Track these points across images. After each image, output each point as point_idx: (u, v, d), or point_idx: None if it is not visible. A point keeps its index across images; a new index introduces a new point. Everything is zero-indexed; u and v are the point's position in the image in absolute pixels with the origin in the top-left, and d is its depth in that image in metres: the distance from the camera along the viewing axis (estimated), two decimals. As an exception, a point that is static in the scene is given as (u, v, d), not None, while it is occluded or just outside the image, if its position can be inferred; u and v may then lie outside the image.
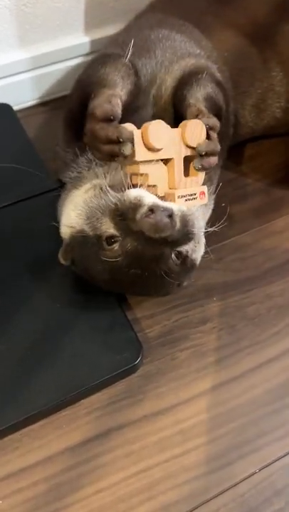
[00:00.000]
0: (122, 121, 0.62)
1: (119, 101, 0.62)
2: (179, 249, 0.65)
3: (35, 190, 0.83)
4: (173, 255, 0.64)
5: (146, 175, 0.63)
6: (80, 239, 0.67)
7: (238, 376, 0.73)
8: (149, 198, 0.61)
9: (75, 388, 0.68)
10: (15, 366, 0.69)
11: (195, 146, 0.63)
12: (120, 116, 0.60)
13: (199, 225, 0.69)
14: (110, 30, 0.99)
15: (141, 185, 0.63)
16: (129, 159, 0.61)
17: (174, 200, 0.63)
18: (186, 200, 0.64)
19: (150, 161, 0.62)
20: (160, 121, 0.62)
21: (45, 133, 0.98)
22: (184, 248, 0.66)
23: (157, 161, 0.63)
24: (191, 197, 0.65)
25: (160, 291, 0.70)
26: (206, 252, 0.74)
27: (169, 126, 0.62)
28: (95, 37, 1.01)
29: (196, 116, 0.65)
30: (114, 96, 0.62)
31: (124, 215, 0.62)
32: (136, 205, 0.60)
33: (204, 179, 0.66)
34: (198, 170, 0.64)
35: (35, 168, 0.87)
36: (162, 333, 0.76)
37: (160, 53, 0.77)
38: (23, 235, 0.80)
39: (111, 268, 0.65)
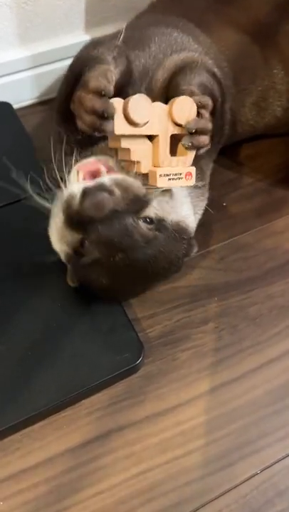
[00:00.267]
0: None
1: (114, 77, 0.61)
2: (144, 214, 0.63)
3: (34, 190, 0.82)
4: (141, 223, 0.63)
5: (128, 150, 0.61)
6: (68, 260, 0.68)
7: (239, 377, 0.73)
8: (75, 186, 0.61)
9: (76, 389, 0.68)
10: (15, 366, 0.69)
11: (183, 123, 0.62)
12: (112, 93, 0.59)
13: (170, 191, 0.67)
14: (111, 28, 0.98)
15: (123, 161, 0.62)
16: (110, 134, 0.60)
17: (155, 179, 0.62)
18: (169, 179, 0.63)
19: (133, 137, 0.61)
20: (143, 95, 0.60)
21: (45, 131, 0.97)
22: (151, 212, 0.64)
23: (142, 137, 0.62)
24: (176, 176, 0.64)
25: (162, 266, 0.67)
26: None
27: (158, 102, 0.61)
28: (95, 35, 1.00)
29: (199, 109, 0.64)
30: (110, 71, 0.61)
31: (70, 215, 0.61)
32: (70, 200, 0.60)
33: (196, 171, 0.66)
34: (188, 148, 0.63)
35: (35, 167, 0.86)
36: (163, 333, 0.76)
37: (154, 47, 0.76)
38: (23, 234, 0.80)
39: (100, 268, 0.64)
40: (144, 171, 0.63)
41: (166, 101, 0.66)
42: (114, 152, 0.65)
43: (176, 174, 0.64)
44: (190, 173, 0.65)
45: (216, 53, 0.82)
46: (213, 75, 0.75)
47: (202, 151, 0.66)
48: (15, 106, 1.00)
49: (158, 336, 0.75)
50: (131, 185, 0.62)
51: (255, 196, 0.92)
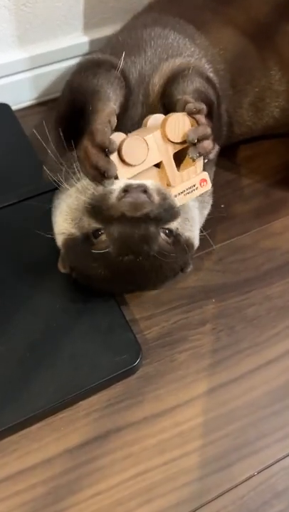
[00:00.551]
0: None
1: (115, 119, 0.62)
2: (166, 226, 0.64)
3: (34, 191, 0.83)
4: (162, 233, 0.64)
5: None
6: (72, 243, 0.67)
7: (238, 378, 0.73)
8: (119, 182, 0.61)
9: (74, 390, 0.68)
10: (13, 367, 0.69)
11: (180, 140, 0.62)
12: (116, 149, 0.60)
13: (188, 205, 0.68)
14: (110, 30, 0.99)
15: None
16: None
17: (165, 187, 0.63)
18: (185, 194, 0.65)
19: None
20: (134, 136, 0.61)
21: (43, 133, 0.97)
22: (173, 226, 0.65)
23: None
24: (191, 189, 0.65)
25: (159, 276, 0.68)
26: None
27: (150, 135, 0.61)
28: (94, 37, 1.01)
29: (184, 108, 0.64)
30: (112, 115, 0.62)
31: (99, 207, 0.61)
32: (107, 193, 0.61)
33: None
34: (197, 158, 0.63)
35: (34, 168, 0.86)
36: (161, 334, 0.76)
37: (150, 51, 0.76)
38: (22, 235, 0.80)
39: (105, 261, 0.64)
40: None
41: (163, 107, 0.66)
42: None
43: (190, 187, 0.65)
44: (204, 180, 0.65)
45: (214, 55, 0.82)
46: (207, 78, 0.75)
47: (211, 156, 0.66)
48: (13, 107, 1.00)
49: (156, 337, 0.75)
50: (170, 196, 0.63)
51: (253, 197, 0.93)
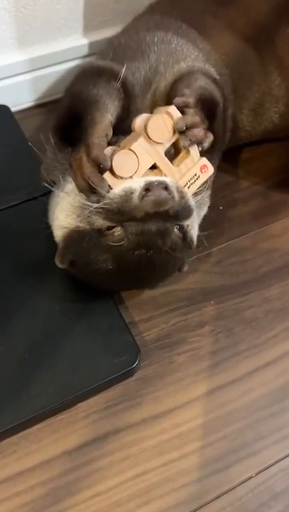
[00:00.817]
0: (117, 127, 0.65)
1: (111, 132, 0.64)
2: (180, 223, 0.65)
3: (34, 192, 0.83)
4: (175, 229, 0.65)
5: None
6: (76, 236, 0.67)
7: (236, 380, 0.73)
8: (137, 182, 0.61)
9: (73, 392, 0.68)
10: (13, 369, 0.69)
11: (166, 139, 0.63)
12: (109, 166, 0.61)
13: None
14: (109, 32, 0.99)
15: None
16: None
17: None
18: (188, 187, 0.65)
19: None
20: (120, 152, 0.61)
21: (43, 135, 0.98)
22: (185, 222, 0.66)
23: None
24: (193, 179, 0.65)
25: (164, 272, 0.69)
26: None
27: (136, 142, 0.62)
28: (93, 39, 1.01)
29: (182, 109, 0.65)
30: (109, 128, 0.63)
31: (120, 212, 0.61)
32: (127, 196, 0.61)
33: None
34: (189, 146, 0.64)
35: (33, 170, 0.86)
36: (160, 336, 0.76)
37: (154, 57, 0.77)
38: (22, 236, 0.80)
39: (115, 254, 0.64)
40: None
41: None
42: None
43: (191, 178, 0.65)
44: (203, 166, 0.66)
45: (216, 60, 0.82)
46: (214, 80, 0.76)
47: (205, 144, 0.66)
48: (13, 109, 1.00)
49: (155, 339, 0.76)
50: (186, 193, 0.64)
51: (252, 200, 0.93)
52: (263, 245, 0.87)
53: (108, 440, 0.67)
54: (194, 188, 0.66)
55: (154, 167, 0.64)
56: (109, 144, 0.64)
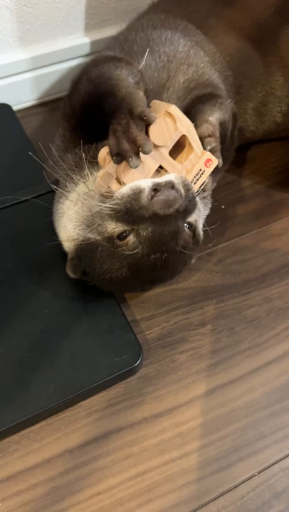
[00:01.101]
0: None
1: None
2: (189, 219, 0.65)
3: (35, 192, 0.83)
4: (186, 228, 0.65)
5: None
6: (88, 247, 0.67)
7: (237, 379, 0.73)
8: (144, 182, 0.61)
9: (75, 390, 0.68)
10: (14, 368, 0.69)
11: (170, 142, 0.63)
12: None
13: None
14: (111, 31, 0.99)
15: None
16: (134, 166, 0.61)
17: None
18: (195, 182, 0.66)
19: None
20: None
21: (44, 133, 0.98)
22: (193, 218, 0.66)
23: None
24: (199, 175, 0.66)
25: (176, 270, 0.69)
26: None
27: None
28: (95, 38, 1.01)
29: (208, 135, 0.66)
30: (145, 98, 0.63)
31: (128, 211, 0.61)
32: (136, 194, 0.61)
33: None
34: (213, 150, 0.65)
35: (35, 168, 0.87)
36: (162, 335, 0.76)
37: (165, 58, 0.77)
38: (23, 236, 0.80)
39: (130, 262, 0.64)
40: None
41: (184, 111, 0.67)
42: None
43: (197, 174, 0.66)
44: (208, 160, 0.66)
45: (221, 61, 0.82)
46: (234, 115, 0.77)
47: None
48: (14, 107, 1.00)
49: (156, 337, 0.76)
50: (191, 185, 0.64)
51: (253, 199, 0.93)
52: (264, 244, 0.87)
53: (109, 439, 0.67)
54: (200, 182, 0.67)
55: (160, 167, 0.64)
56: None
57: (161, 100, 0.73)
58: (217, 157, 0.66)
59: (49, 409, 0.67)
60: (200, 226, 0.71)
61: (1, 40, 0.94)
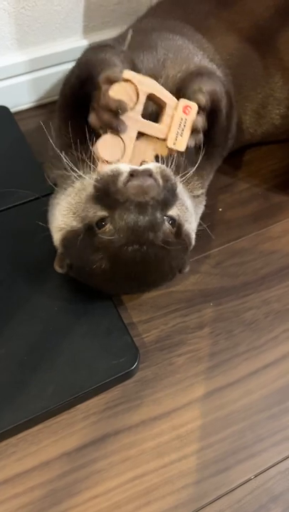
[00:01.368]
0: None
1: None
2: (169, 213, 0.64)
3: (33, 193, 0.83)
4: (166, 222, 0.64)
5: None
6: (72, 236, 0.66)
7: (235, 381, 0.73)
8: (124, 166, 0.62)
9: (72, 393, 0.68)
10: (11, 370, 0.69)
11: (133, 104, 0.63)
12: (121, 76, 0.62)
13: (186, 198, 0.69)
14: (110, 33, 0.99)
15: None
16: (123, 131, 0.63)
17: (166, 151, 0.65)
18: (181, 135, 0.64)
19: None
20: (102, 137, 0.63)
21: (42, 136, 0.98)
22: (175, 212, 0.65)
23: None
24: (182, 125, 0.64)
25: (161, 270, 0.67)
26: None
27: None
28: (94, 40, 1.01)
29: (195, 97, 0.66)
30: (121, 72, 0.64)
31: (106, 191, 0.61)
32: (114, 176, 0.61)
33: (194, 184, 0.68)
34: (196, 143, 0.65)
35: (33, 171, 0.87)
36: (159, 337, 0.76)
37: (162, 52, 0.77)
38: (21, 238, 0.80)
39: (108, 252, 0.63)
40: (163, 153, 0.65)
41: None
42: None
43: (180, 124, 0.64)
44: (185, 107, 0.64)
45: (220, 61, 0.82)
46: (227, 92, 0.77)
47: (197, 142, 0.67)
48: (12, 110, 1.00)
49: (154, 340, 0.76)
50: (171, 176, 0.63)
51: (251, 201, 0.93)
52: (263, 247, 0.87)
53: (107, 442, 0.67)
54: (187, 132, 0.65)
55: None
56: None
57: None
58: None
59: (46, 412, 0.67)
60: (189, 227, 0.69)
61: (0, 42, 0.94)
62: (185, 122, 0.64)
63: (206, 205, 0.80)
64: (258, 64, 0.86)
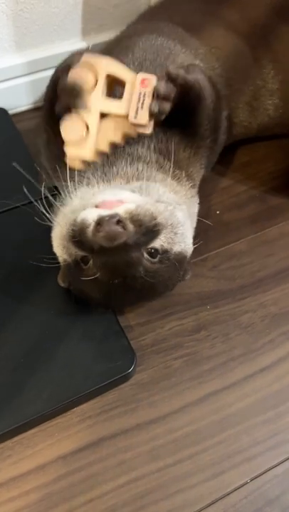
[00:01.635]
0: None
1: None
2: (152, 245, 0.64)
3: (31, 196, 0.83)
4: (146, 255, 0.64)
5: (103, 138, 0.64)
6: (67, 266, 0.69)
7: (231, 385, 0.73)
8: (91, 214, 0.62)
9: (68, 396, 0.68)
10: (7, 374, 0.69)
11: (92, 85, 0.63)
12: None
13: (177, 220, 0.68)
14: (107, 36, 0.99)
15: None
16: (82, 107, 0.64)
17: (131, 128, 0.64)
18: (142, 108, 0.62)
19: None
20: (65, 119, 0.63)
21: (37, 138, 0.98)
22: (157, 244, 0.65)
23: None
24: (141, 99, 0.62)
25: (154, 293, 0.69)
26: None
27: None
28: (92, 42, 1.01)
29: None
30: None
31: (80, 239, 0.63)
32: (83, 226, 0.62)
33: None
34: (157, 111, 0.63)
35: (31, 173, 0.86)
36: (156, 341, 0.76)
37: (139, 53, 0.77)
38: (18, 241, 0.80)
39: (97, 285, 0.65)
40: (130, 130, 0.64)
41: None
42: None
43: (139, 99, 0.62)
44: (142, 80, 0.62)
45: (206, 54, 0.82)
46: (210, 78, 0.76)
47: (162, 116, 0.65)
48: (10, 112, 1.00)
49: (150, 343, 0.76)
50: (143, 217, 0.62)
51: (249, 204, 0.93)
52: (260, 250, 0.87)
53: (103, 445, 0.67)
54: (146, 105, 0.62)
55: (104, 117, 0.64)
56: None
57: None
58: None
59: (42, 416, 0.67)
60: (180, 246, 0.68)
61: (-2, 44, 0.94)
62: (144, 95, 0.62)
63: (203, 207, 0.80)
64: (248, 56, 0.86)
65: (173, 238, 0.66)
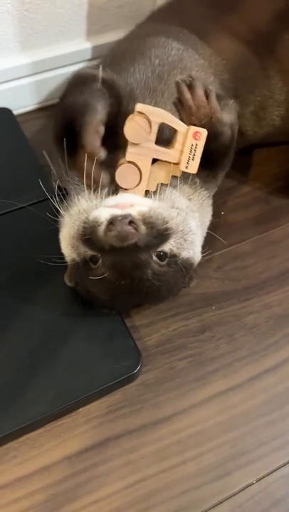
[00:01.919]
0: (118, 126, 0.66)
1: (102, 129, 0.66)
2: (161, 249, 0.65)
3: (35, 197, 0.83)
4: (154, 257, 0.64)
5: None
6: (75, 266, 0.69)
7: (236, 386, 0.73)
8: (105, 213, 0.62)
9: (74, 397, 0.68)
10: (13, 374, 0.69)
11: (144, 139, 0.65)
12: (103, 157, 0.65)
13: (188, 227, 0.68)
14: (112, 36, 0.99)
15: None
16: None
17: (179, 173, 0.68)
18: (193, 159, 0.66)
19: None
20: (119, 167, 0.65)
21: (45, 138, 0.98)
22: (167, 247, 0.65)
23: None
24: (193, 150, 0.66)
25: (160, 296, 0.70)
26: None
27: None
28: (96, 43, 1.01)
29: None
30: (99, 125, 0.65)
31: (90, 238, 0.63)
32: (95, 225, 0.62)
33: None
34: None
35: (35, 173, 0.87)
36: (161, 341, 0.76)
37: (156, 61, 0.77)
38: (22, 241, 0.80)
39: (104, 286, 0.65)
40: (178, 173, 0.68)
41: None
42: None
43: (190, 150, 0.66)
44: (195, 133, 0.66)
45: (217, 65, 0.82)
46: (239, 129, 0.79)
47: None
48: (15, 112, 1.00)
49: (156, 344, 0.76)
50: (156, 220, 0.63)
51: (253, 205, 0.93)
52: (264, 251, 0.87)
53: (108, 446, 0.67)
54: (198, 155, 0.67)
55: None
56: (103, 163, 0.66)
57: (156, 104, 0.74)
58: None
59: (48, 416, 0.67)
60: (188, 252, 0.69)
61: (3, 44, 0.94)
62: (196, 147, 0.66)
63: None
64: (256, 66, 0.86)
65: (182, 244, 0.67)
